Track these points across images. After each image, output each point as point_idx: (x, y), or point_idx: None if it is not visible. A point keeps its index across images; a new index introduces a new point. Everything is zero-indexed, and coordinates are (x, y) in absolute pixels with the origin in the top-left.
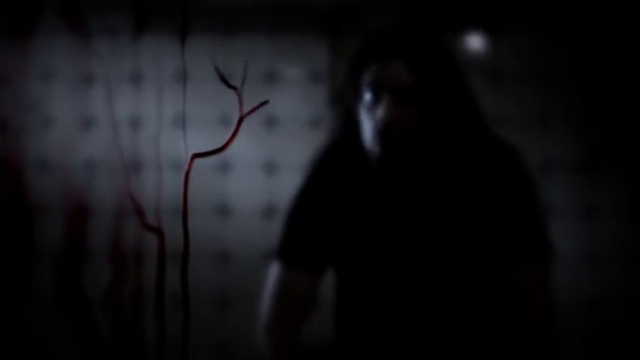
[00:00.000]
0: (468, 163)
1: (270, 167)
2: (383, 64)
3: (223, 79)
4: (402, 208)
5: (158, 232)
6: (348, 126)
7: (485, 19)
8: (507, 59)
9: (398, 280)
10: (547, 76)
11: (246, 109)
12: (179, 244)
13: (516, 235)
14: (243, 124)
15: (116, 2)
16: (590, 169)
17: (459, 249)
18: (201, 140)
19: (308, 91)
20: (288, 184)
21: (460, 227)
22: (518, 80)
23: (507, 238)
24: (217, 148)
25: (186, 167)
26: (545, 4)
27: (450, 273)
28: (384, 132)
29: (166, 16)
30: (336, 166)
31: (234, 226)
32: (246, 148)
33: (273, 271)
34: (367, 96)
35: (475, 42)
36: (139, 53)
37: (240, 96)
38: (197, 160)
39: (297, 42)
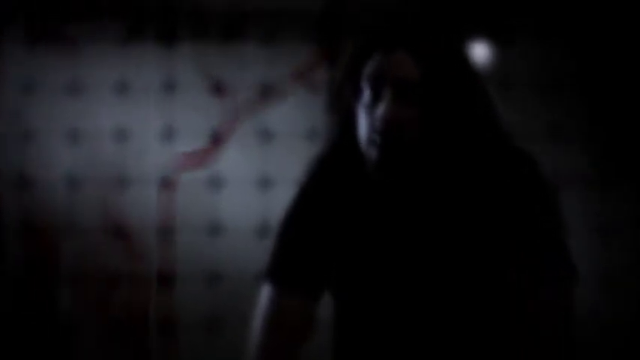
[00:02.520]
0: (478, 172)
1: (264, 183)
2: (387, 55)
3: (213, 88)
4: (404, 221)
5: (142, 250)
6: (346, 130)
7: (493, 28)
8: (515, 69)
9: (402, 301)
10: (556, 87)
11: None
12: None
13: (533, 254)
14: (236, 138)
15: (103, 10)
16: (600, 182)
17: (468, 269)
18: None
19: (304, 101)
20: (283, 201)
21: (470, 245)
22: (527, 90)
23: (523, 258)
24: (205, 148)
25: (170, 171)
26: (556, 14)
27: (458, 294)
28: (382, 132)
29: (155, 24)
30: (331, 177)
31: (227, 245)
32: (239, 163)
33: (264, 294)
34: (367, 91)
35: (482, 51)
36: (125, 62)
37: (228, 102)
38: (187, 176)
39: (292, 50)
